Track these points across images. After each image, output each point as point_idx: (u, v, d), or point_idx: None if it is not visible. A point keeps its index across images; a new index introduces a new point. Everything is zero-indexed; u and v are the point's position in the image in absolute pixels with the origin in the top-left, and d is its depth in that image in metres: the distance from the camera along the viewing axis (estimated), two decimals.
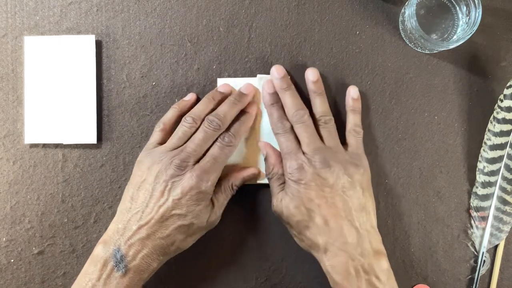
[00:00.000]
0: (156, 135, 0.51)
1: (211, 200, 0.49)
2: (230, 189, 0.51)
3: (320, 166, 0.47)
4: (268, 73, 0.54)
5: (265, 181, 0.53)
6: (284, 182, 0.50)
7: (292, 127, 0.51)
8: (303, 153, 0.49)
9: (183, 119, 0.50)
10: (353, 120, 0.53)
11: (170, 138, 0.50)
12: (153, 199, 0.46)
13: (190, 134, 0.50)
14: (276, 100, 0.52)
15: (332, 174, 0.47)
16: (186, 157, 0.47)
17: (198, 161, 0.48)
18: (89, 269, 0.45)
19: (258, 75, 0.54)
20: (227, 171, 0.53)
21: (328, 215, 0.46)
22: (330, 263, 0.46)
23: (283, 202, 0.49)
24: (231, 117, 0.51)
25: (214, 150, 0.49)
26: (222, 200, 0.51)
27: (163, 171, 0.47)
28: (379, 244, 0.48)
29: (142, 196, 0.47)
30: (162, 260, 0.47)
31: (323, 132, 0.51)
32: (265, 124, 0.54)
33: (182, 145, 0.49)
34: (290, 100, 0.51)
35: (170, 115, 0.52)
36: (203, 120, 0.50)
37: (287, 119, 0.51)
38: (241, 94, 0.52)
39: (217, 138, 0.50)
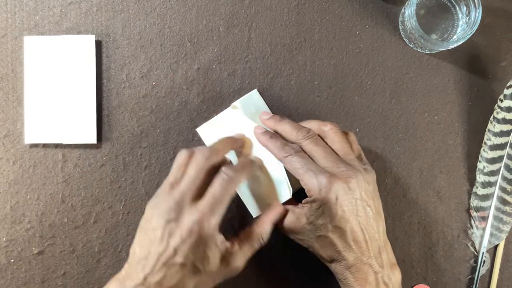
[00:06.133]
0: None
1: (231, 243, 0.45)
2: (258, 241, 0.47)
3: (347, 180, 0.45)
4: (269, 74, 0.53)
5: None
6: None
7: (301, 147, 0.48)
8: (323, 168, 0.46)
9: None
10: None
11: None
12: (154, 245, 0.42)
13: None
14: (271, 134, 0.50)
15: (358, 184, 0.45)
16: (181, 196, 0.43)
17: (197, 197, 0.44)
18: None
19: (232, 104, 0.53)
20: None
21: (357, 231, 0.45)
22: (355, 277, 0.45)
23: (304, 219, 0.46)
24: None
25: (215, 187, 0.44)
26: (247, 250, 0.46)
27: (160, 214, 0.43)
28: (392, 254, 0.47)
29: (146, 241, 0.43)
30: None
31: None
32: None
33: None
34: (289, 125, 0.49)
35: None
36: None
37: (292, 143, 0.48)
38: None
39: (219, 172, 0.45)
